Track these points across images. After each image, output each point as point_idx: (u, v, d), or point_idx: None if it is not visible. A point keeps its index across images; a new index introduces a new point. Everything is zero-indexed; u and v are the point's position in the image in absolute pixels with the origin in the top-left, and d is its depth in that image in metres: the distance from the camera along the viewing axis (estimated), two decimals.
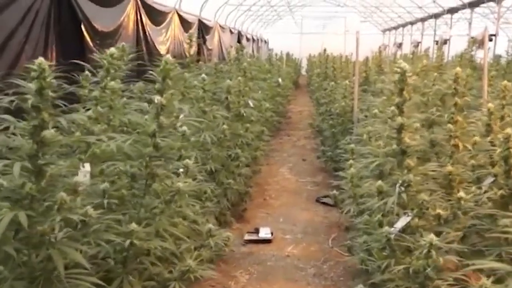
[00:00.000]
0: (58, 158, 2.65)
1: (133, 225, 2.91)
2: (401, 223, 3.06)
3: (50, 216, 2.46)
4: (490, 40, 17.16)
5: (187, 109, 5.61)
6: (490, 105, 4.24)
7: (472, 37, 16.75)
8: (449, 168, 4.61)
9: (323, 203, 7.60)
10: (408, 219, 3.08)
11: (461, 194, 3.17)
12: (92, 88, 4.10)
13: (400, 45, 26.96)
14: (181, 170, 3.92)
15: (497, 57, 13.84)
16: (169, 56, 3.24)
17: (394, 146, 3.34)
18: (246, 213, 7.03)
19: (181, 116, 5.07)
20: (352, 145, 6.10)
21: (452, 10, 20.64)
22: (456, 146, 4.76)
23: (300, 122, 15.11)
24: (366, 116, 7.11)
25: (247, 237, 6.25)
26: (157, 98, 3.13)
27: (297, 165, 10.08)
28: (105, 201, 2.95)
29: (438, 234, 2.92)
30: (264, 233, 6.36)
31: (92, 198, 3.01)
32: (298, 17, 33.52)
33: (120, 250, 2.99)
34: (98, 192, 3.09)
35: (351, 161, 5.50)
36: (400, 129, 3.34)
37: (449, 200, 3.39)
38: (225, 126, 5.94)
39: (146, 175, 3.20)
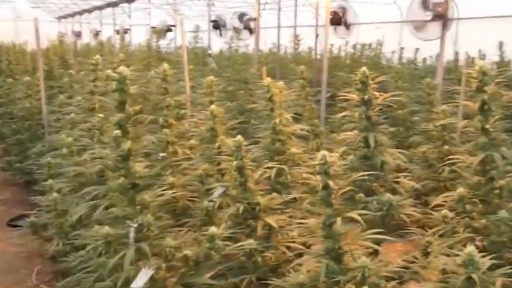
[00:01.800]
0: None
1: None
2: (141, 279, 2.34)
3: None
4: (170, 30, 17.60)
5: None
6: (213, 107, 3.84)
7: (152, 27, 16.90)
8: (171, 179, 4.09)
9: (17, 226, 6.25)
10: (150, 272, 2.39)
11: (213, 229, 2.62)
12: None
13: (79, 34, 25.70)
14: None
15: (178, 48, 14.14)
16: None
17: (122, 180, 2.57)
18: None
19: None
20: (49, 158, 5.04)
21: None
22: (175, 153, 4.27)
23: None
24: (59, 119, 6.12)
25: None
26: None
27: None
28: None
29: (188, 285, 2.32)
30: None
31: None
32: None
33: None
34: None
35: (51, 181, 4.48)
36: (128, 155, 2.58)
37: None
38: None
39: None
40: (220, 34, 16.12)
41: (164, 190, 3.11)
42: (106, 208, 3.03)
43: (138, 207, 2.57)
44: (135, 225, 2.45)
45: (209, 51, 12.58)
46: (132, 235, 2.43)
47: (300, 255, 2.95)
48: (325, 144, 5.75)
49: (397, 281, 2.88)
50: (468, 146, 3.49)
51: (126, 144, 2.51)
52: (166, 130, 4.17)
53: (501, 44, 9.75)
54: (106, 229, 2.55)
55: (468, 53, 9.54)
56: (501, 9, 11.23)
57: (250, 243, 2.96)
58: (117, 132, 2.53)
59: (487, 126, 3.30)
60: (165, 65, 4.47)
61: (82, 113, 5.22)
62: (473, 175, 3.34)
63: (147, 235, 2.50)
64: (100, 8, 23.84)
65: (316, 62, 9.48)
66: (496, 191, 3.24)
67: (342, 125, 4.74)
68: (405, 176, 3.84)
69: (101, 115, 4.16)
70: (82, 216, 3.79)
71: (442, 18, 7.13)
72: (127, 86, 2.60)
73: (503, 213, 3.03)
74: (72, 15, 28.53)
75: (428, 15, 7.35)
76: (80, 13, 27.02)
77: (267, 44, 15.06)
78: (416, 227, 3.55)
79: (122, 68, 2.64)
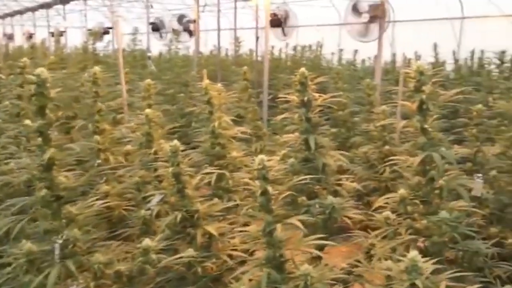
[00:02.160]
0: None
1: None
2: None
3: None
4: (107, 32, 17.11)
5: None
6: (148, 111, 3.66)
7: (89, 29, 16.35)
8: (105, 187, 3.89)
9: None
10: None
11: (148, 242, 2.45)
12: None
13: (11, 37, 24.62)
14: None
15: (116, 50, 13.77)
16: None
17: (44, 192, 2.35)
18: None
19: None
20: None
21: (64, 1, 19.74)
22: (107, 160, 4.05)
23: None
24: None
25: None
26: None
27: None
28: None
29: None
30: None
31: None
32: None
33: None
34: None
35: None
36: (50, 165, 2.37)
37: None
38: None
39: None
40: (160, 36, 15.78)
41: (97, 199, 2.91)
42: (34, 221, 2.80)
43: (64, 220, 2.37)
44: (60, 241, 2.25)
45: (148, 54, 12.27)
46: (57, 251, 2.23)
47: (242, 263, 2.83)
48: (268, 146, 5.67)
49: (341, 285, 2.82)
50: (407, 146, 3.47)
51: (47, 153, 2.30)
52: (97, 137, 3.94)
53: (435, 46, 10.03)
54: (29, 245, 2.33)
55: (405, 54, 9.76)
56: (435, 12, 11.60)
57: (189, 253, 2.81)
58: (39, 139, 2.32)
59: (426, 126, 3.29)
60: (96, 68, 4.24)
61: (9, 119, 4.90)
62: (414, 175, 3.32)
63: (74, 251, 2.30)
64: (32, 9, 22.91)
65: (257, 64, 9.40)
66: (436, 191, 3.24)
67: (284, 127, 4.67)
68: (347, 178, 3.80)
69: (27, 121, 3.88)
70: (10, 230, 3.52)
71: (379, 20, 7.22)
72: (47, 90, 2.38)
73: (443, 214, 3.02)
74: (3, 16, 27.30)
75: (365, 17, 7.42)
76: (12, 14, 25.88)
77: (208, 47, 14.89)
78: (359, 229, 3.52)
79: (40, 70, 2.42)
